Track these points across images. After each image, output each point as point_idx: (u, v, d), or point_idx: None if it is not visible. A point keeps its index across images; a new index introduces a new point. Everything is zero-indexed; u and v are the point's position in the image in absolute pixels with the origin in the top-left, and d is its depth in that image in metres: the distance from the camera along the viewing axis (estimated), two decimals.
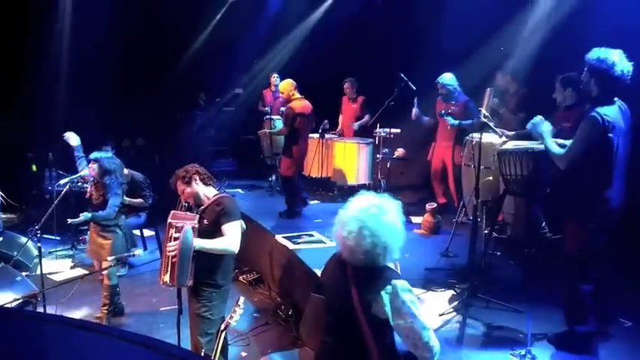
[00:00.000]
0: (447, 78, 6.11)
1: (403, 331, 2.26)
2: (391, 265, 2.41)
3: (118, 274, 5.14)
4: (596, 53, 3.36)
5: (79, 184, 5.58)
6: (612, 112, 3.34)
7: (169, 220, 3.44)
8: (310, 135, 6.70)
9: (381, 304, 2.25)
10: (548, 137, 3.62)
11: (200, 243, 3.35)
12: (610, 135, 3.31)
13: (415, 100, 6.36)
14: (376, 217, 2.28)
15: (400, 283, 2.28)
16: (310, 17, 9.29)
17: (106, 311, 4.79)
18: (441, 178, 6.53)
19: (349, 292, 2.30)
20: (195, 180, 3.57)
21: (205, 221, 3.49)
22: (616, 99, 3.42)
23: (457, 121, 5.99)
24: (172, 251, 3.32)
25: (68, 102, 8.15)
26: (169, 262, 3.36)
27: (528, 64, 6.16)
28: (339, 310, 2.38)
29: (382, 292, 2.25)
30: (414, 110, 6.42)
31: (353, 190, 7.02)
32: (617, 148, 3.36)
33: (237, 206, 3.58)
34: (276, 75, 8.36)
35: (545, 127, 3.66)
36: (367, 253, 2.26)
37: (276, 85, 8.13)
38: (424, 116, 6.52)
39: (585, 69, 3.43)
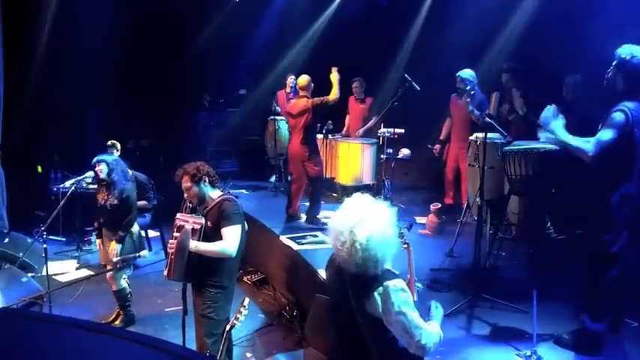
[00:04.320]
0: (467, 73, 5.98)
1: (396, 330, 2.30)
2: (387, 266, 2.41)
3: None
4: (629, 49, 3.31)
5: (84, 185, 5.60)
6: (636, 107, 3.31)
7: (175, 218, 3.56)
8: None
9: (374, 305, 2.30)
10: (562, 132, 3.50)
11: (196, 244, 3.40)
12: (635, 130, 3.28)
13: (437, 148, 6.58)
14: (367, 231, 2.26)
15: (392, 284, 2.30)
16: (314, 17, 9.30)
17: (118, 322, 4.78)
18: (453, 178, 6.54)
19: (347, 293, 2.36)
20: (205, 181, 3.57)
21: (209, 223, 3.50)
22: None
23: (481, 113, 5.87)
24: (171, 248, 3.47)
25: (72, 103, 8.16)
26: (169, 258, 3.52)
27: (532, 64, 6.15)
28: (340, 309, 2.44)
29: (375, 293, 2.30)
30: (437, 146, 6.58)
31: (357, 191, 7.00)
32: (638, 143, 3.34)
33: (239, 209, 3.57)
34: (293, 76, 7.92)
35: (558, 123, 3.53)
36: (359, 265, 2.29)
37: (292, 87, 7.98)
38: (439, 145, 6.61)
39: (615, 63, 3.36)
